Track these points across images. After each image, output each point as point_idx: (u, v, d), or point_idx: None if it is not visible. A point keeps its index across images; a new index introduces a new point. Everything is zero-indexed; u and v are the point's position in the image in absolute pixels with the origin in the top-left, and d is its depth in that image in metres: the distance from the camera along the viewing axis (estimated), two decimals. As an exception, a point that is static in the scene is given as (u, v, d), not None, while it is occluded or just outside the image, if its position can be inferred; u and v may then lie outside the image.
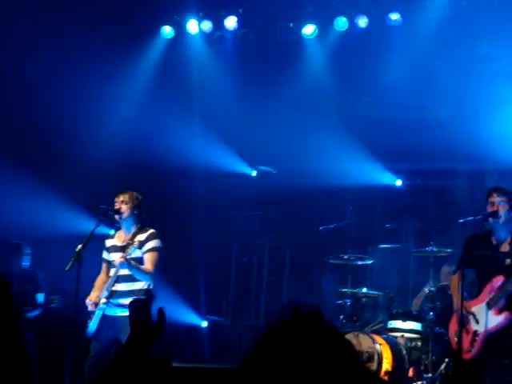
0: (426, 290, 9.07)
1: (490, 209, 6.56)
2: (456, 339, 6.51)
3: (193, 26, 11.39)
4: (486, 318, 6.34)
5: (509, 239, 6.50)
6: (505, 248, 6.48)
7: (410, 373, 8.48)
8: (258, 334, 1.79)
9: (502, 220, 6.50)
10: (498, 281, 6.36)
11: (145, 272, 7.23)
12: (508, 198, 6.52)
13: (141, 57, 11.39)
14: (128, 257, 7.11)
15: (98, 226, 7.34)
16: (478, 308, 6.41)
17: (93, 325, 7.14)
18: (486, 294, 6.41)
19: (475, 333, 6.35)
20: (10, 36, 9.86)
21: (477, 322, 6.38)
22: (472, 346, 6.33)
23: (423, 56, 10.93)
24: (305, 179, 11.76)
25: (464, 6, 10.14)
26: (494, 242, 6.56)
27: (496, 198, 6.52)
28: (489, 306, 6.34)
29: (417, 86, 11.35)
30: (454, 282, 6.74)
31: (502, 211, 6.48)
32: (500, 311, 6.30)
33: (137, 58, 11.32)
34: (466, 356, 6.29)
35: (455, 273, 6.97)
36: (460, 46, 10.81)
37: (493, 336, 6.30)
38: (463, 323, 6.31)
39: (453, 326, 6.60)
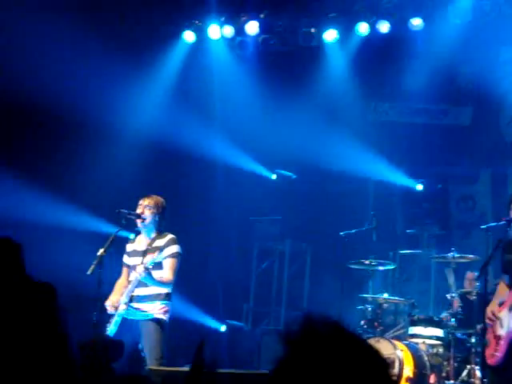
0: (448, 296, 9.02)
1: None
2: (486, 345, 6.48)
3: (214, 31, 11.42)
4: (508, 322, 6.28)
5: None
6: None
7: (432, 379, 8.43)
8: (281, 346, 1.78)
9: None
10: None
11: (164, 282, 7.26)
12: None
13: (163, 61, 11.43)
14: (149, 265, 7.12)
15: (119, 230, 7.35)
16: (504, 313, 6.36)
17: (112, 329, 7.16)
18: (511, 298, 6.34)
19: (499, 337, 6.30)
20: (43, 38, 9.90)
21: (501, 326, 6.33)
22: (496, 351, 6.27)
23: (445, 61, 10.90)
24: (326, 184, 11.76)
25: (487, 10, 10.09)
26: None
27: None
28: (511, 309, 6.28)
29: (439, 91, 11.33)
30: (500, 289, 6.67)
31: None
32: None
33: (159, 62, 11.36)
34: (491, 361, 6.24)
35: (478, 278, 6.93)
36: (482, 51, 10.77)
37: None
38: (492, 329, 6.26)
39: (488, 333, 6.54)
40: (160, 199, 7.51)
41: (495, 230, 7.44)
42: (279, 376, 1.72)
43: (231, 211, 11.71)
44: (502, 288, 6.52)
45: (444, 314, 8.91)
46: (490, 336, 6.32)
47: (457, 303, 8.99)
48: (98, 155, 10.73)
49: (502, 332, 6.31)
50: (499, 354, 6.23)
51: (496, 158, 11.16)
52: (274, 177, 11.90)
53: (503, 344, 6.24)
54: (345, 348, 1.72)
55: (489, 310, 6.44)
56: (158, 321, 7.21)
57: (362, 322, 9.13)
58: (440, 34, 10.58)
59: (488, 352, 6.17)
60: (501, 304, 6.44)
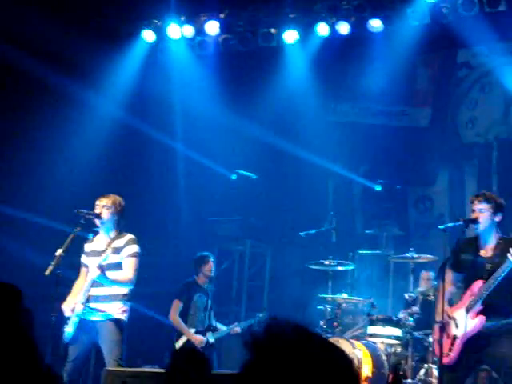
0: (406, 296, 9.09)
1: (472, 215, 6.56)
2: (437, 344, 6.51)
3: (174, 31, 11.39)
4: (463, 323, 6.32)
5: (492, 245, 6.47)
6: (486, 253, 6.46)
7: (390, 378, 8.48)
8: (246, 351, 1.77)
9: (481, 227, 6.50)
10: (478, 285, 6.34)
11: (122, 281, 7.21)
12: (489, 204, 6.50)
13: (123, 60, 11.36)
14: (103, 262, 7.06)
15: (77, 230, 7.28)
16: (459, 313, 6.41)
17: (69, 330, 7.09)
18: (467, 298, 6.40)
19: (454, 337, 6.35)
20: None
21: (456, 326, 6.37)
22: (450, 351, 6.33)
23: (404, 62, 11.00)
24: (285, 184, 11.79)
25: (444, 13, 10.20)
26: (478, 248, 6.56)
27: (476, 205, 6.52)
28: (467, 310, 6.34)
29: (398, 92, 11.42)
30: (441, 290, 6.71)
31: (482, 218, 6.47)
32: (476, 315, 6.29)
33: (119, 61, 11.29)
34: (444, 360, 6.29)
35: (437, 278, 6.97)
36: (440, 53, 10.88)
37: (470, 340, 6.29)
38: (444, 329, 6.30)
39: (435, 333, 6.59)
40: (118, 198, 7.45)
41: (453, 230, 7.50)
42: (245, 380, 1.72)
43: (191, 212, 11.69)
44: (448, 285, 6.54)
45: (402, 314, 8.99)
46: (443, 335, 6.34)
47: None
48: (54, 156, 10.63)
49: (457, 332, 6.36)
50: (453, 355, 6.28)
51: (454, 159, 11.28)
52: (234, 177, 11.89)
53: (458, 344, 6.30)
54: (309, 350, 1.72)
55: (440, 309, 6.47)
56: (116, 321, 7.15)
57: (322, 322, 9.16)
58: (399, 35, 10.66)
59: (442, 350, 6.21)
60: (451, 303, 6.49)
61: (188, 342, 9.20)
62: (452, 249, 6.76)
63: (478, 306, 6.27)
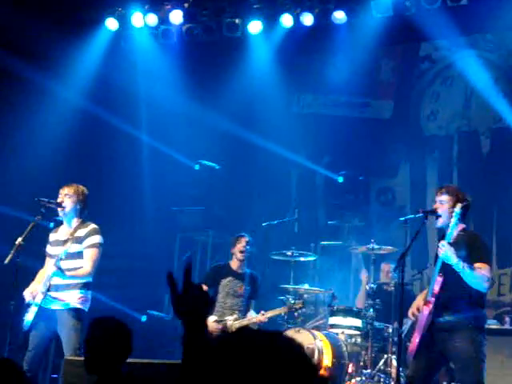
0: (367, 287, 9.16)
1: (433, 206, 6.60)
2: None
3: (137, 19, 11.32)
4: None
5: (453, 238, 6.43)
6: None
7: (350, 368, 8.56)
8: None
9: (441, 219, 6.54)
10: (437, 282, 6.33)
11: (80, 275, 7.17)
12: (450, 196, 6.53)
13: (86, 48, 11.27)
14: (61, 256, 7.02)
15: (38, 219, 7.23)
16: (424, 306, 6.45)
17: (29, 318, 7.05)
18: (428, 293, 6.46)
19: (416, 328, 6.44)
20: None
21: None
22: (411, 341, 6.42)
23: (367, 54, 11.05)
24: (249, 175, 11.80)
25: (407, 6, 10.26)
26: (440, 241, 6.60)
27: (438, 197, 6.56)
28: (424, 303, 6.41)
29: (361, 84, 11.48)
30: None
31: (441, 209, 6.51)
32: (426, 305, 6.32)
33: (82, 49, 11.19)
34: (410, 349, 6.36)
35: (395, 270, 7.04)
36: (403, 46, 10.95)
37: (428, 331, 6.34)
38: (401, 328, 6.42)
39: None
40: (81, 187, 7.41)
41: (413, 222, 7.57)
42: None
43: (154, 201, 11.65)
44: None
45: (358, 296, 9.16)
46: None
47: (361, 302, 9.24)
48: (16, 144, 10.53)
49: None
50: (413, 346, 6.36)
51: (415, 151, 11.37)
52: (197, 167, 11.86)
53: (416, 335, 6.36)
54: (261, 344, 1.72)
55: (415, 304, 6.53)
56: (75, 310, 7.11)
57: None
58: (362, 27, 10.71)
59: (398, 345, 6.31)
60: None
61: None
62: (411, 241, 6.81)
63: (429, 297, 6.32)
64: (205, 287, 8.18)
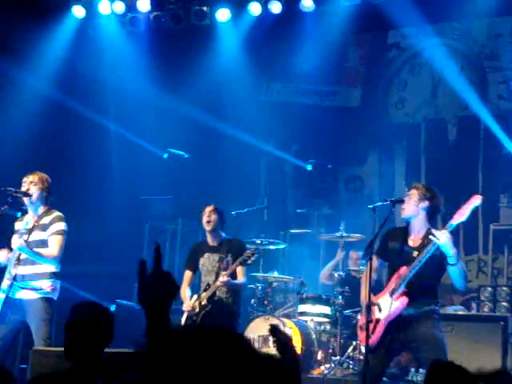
0: (336, 274, 9.21)
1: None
2: (360, 331, 6.68)
3: (104, 7, 11.23)
4: (387, 306, 6.42)
5: (421, 235, 6.54)
6: (414, 243, 6.57)
7: (319, 356, 8.61)
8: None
9: (405, 211, 6.61)
10: (403, 270, 6.43)
11: (46, 256, 7.09)
12: (418, 191, 6.61)
13: (52, 36, 11.15)
14: (22, 231, 6.97)
15: (5, 208, 7.16)
16: (383, 298, 6.52)
17: (-5, 308, 6.99)
18: (391, 284, 6.51)
19: (377, 320, 6.47)
20: None
21: (380, 310, 6.49)
22: (372, 333, 6.40)
23: (335, 43, 11.07)
24: (217, 163, 11.78)
25: (375, -6, 10.29)
26: (406, 237, 6.68)
27: (408, 191, 6.69)
28: (391, 293, 6.45)
29: (329, 72, 11.50)
30: (363, 276, 6.86)
31: (407, 202, 6.59)
32: (399, 296, 6.39)
33: (48, 37, 11.07)
34: (369, 342, 6.40)
35: (364, 257, 7.09)
36: (371, 33, 10.98)
37: (393, 324, 6.41)
38: (369, 315, 6.43)
39: (361, 319, 6.76)
40: (44, 175, 7.33)
41: (381, 209, 7.62)
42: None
43: (123, 189, 11.59)
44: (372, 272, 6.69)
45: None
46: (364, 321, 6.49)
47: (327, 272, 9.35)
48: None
49: (379, 315, 6.50)
50: (375, 337, 6.42)
51: (384, 139, 11.43)
52: (165, 156, 11.82)
53: (381, 326, 6.43)
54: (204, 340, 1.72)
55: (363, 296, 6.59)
56: (45, 299, 7.06)
57: (253, 301, 9.22)
58: (330, 15, 10.73)
59: (366, 334, 6.35)
60: (374, 292, 6.61)
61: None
62: (382, 236, 6.88)
63: (402, 289, 6.39)
64: (189, 273, 8.24)
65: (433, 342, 6.29)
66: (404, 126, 11.41)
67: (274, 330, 2.87)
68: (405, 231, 6.69)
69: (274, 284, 9.52)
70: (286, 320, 8.62)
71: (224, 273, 7.82)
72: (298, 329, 8.48)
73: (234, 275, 7.95)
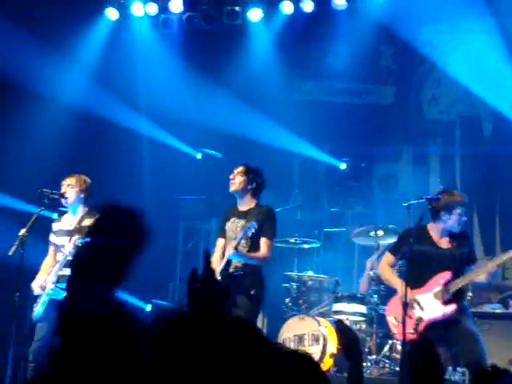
0: (371, 273, 9.17)
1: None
2: (395, 322, 6.99)
3: (137, 9, 11.28)
4: (431, 307, 6.71)
5: (446, 236, 6.90)
6: (445, 244, 6.89)
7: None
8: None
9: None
10: (445, 276, 6.74)
11: None
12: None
13: (86, 38, 11.23)
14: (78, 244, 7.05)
15: (41, 210, 7.25)
16: (424, 297, 6.76)
17: (39, 309, 7.08)
18: (432, 285, 6.77)
19: (419, 319, 6.70)
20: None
21: (421, 309, 6.73)
22: (415, 330, 6.64)
23: (368, 40, 11.02)
24: (251, 163, 11.76)
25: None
26: (435, 238, 6.92)
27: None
28: (436, 296, 6.71)
29: (362, 70, 11.45)
30: (385, 270, 7.05)
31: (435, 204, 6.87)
32: (447, 303, 6.71)
33: (82, 39, 11.15)
34: (409, 337, 6.54)
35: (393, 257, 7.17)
36: (404, 31, 10.92)
37: (435, 323, 6.69)
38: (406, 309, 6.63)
39: (392, 310, 6.93)
40: (83, 177, 7.46)
41: (416, 207, 7.60)
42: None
43: (157, 190, 11.64)
44: (387, 269, 7.04)
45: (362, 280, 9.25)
46: (399, 314, 6.69)
47: (365, 286, 9.30)
48: (18, 134, 10.52)
49: (423, 315, 6.76)
50: (414, 333, 6.62)
51: (417, 136, 11.36)
52: (199, 156, 11.86)
53: (423, 325, 6.71)
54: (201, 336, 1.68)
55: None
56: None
57: (287, 300, 9.22)
58: (363, 13, 10.68)
59: (406, 329, 6.49)
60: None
61: None
62: (401, 237, 7.03)
63: (448, 296, 6.73)
64: (220, 241, 7.46)
65: (471, 336, 6.57)
66: (438, 123, 11.32)
67: (340, 326, 2.87)
68: (426, 231, 6.91)
69: (309, 283, 9.50)
70: (321, 319, 8.60)
71: (231, 244, 7.09)
72: (334, 328, 8.45)
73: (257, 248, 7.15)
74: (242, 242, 7.10)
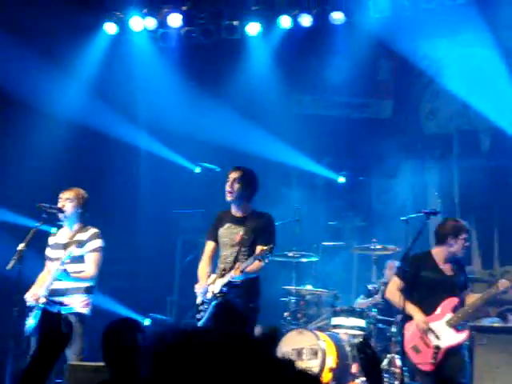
0: (370, 286, 9.18)
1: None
2: (414, 352, 6.93)
3: (136, 23, 11.31)
4: (447, 335, 6.82)
5: (449, 263, 7.06)
6: (448, 271, 7.05)
7: (354, 369, 8.55)
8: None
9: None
10: (453, 302, 6.90)
11: (84, 277, 7.21)
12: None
13: (84, 53, 11.25)
14: (66, 260, 7.04)
15: (40, 224, 7.25)
16: (437, 325, 6.86)
17: (31, 322, 7.06)
18: (443, 313, 6.89)
19: (437, 347, 6.78)
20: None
21: (437, 337, 6.82)
22: (434, 360, 6.74)
23: (366, 55, 11.06)
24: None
25: (405, 6, 10.26)
26: (440, 264, 7.05)
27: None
28: (449, 324, 6.84)
29: (360, 84, 11.48)
30: (396, 295, 7.05)
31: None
32: (459, 330, 6.88)
33: (80, 54, 11.18)
34: (427, 367, 6.76)
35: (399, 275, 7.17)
36: (402, 45, 10.96)
37: (450, 351, 6.82)
38: (421, 337, 6.84)
39: (410, 340, 6.96)
40: (81, 191, 7.45)
41: (414, 221, 7.61)
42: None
43: (154, 204, 11.66)
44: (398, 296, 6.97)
45: (360, 300, 9.17)
46: (419, 343, 6.84)
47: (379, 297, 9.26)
48: (16, 148, 10.54)
49: (439, 343, 6.83)
50: (437, 363, 6.75)
51: (416, 150, 11.37)
52: (197, 170, 11.87)
53: (441, 354, 6.78)
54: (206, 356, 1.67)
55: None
56: (78, 314, 7.14)
57: (286, 314, 9.20)
58: (361, 28, 10.72)
59: (423, 360, 6.74)
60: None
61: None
62: (413, 241, 7.01)
63: (461, 323, 6.91)
64: (210, 244, 7.30)
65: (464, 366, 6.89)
66: (436, 136, 11.34)
67: (364, 346, 2.87)
68: (431, 257, 7.08)
69: (308, 297, 9.48)
70: (319, 333, 8.58)
71: (240, 265, 6.87)
72: (333, 342, 8.43)
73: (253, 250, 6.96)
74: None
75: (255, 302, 6.99)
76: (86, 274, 7.22)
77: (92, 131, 10.91)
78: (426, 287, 6.95)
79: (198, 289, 7.06)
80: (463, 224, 7.14)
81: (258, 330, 6.64)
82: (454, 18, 10.04)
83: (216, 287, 6.93)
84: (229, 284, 6.88)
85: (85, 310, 7.20)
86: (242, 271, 6.82)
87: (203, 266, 7.19)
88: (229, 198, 7.16)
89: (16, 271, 6.99)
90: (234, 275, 6.85)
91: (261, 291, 7.12)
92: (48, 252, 7.49)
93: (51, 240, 7.51)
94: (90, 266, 7.24)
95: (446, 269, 7.03)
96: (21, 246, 7.03)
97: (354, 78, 11.24)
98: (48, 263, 7.46)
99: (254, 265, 6.90)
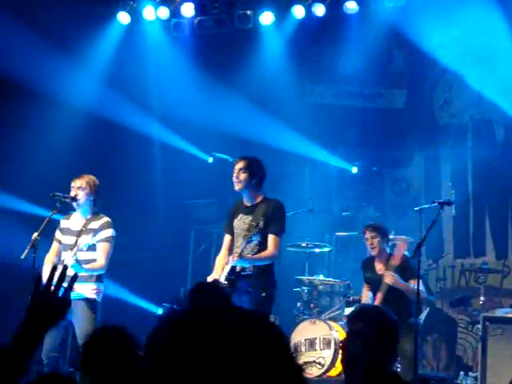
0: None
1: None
2: None
3: (149, 13, 11.32)
4: None
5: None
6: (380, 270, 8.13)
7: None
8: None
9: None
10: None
11: (95, 268, 7.24)
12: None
13: (98, 42, 11.27)
14: (84, 249, 7.09)
15: (53, 213, 7.27)
16: None
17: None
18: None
19: None
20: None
21: None
22: None
23: (380, 44, 11.01)
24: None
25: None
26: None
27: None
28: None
29: (373, 74, 11.44)
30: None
31: None
32: None
33: (94, 43, 11.19)
34: None
35: (412, 259, 7.20)
36: (415, 35, 10.90)
37: None
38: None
39: None
40: (92, 178, 7.46)
41: (428, 211, 7.59)
42: (161, 360, 1.62)
43: (168, 194, 11.67)
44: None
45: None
46: None
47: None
48: (30, 137, 10.56)
49: None
50: None
51: (429, 140, 11.33)
52: (210, 160, 11.86)
53: None
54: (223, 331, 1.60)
55: None
56: (89, 300, 7.18)
57: (299, 304, 9.22)
58: (374, 17, 10.68)
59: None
60: None
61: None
62: (427, 231, 7.01)
63: None
64: (227, 237, 7.37)
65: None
66: (450, 126, 11.29)
67: None
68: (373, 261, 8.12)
69: (320, 287, 9.49)
70: (332, 323, 8.59)
71: (235, 251, 6.96)
72: (345, 332, 8.43)
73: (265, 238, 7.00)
74: (251, 244, 7.04)
75: (268, 291, 6.99)
76: (97, 264, 7.25)
77: (106, 121, 10.93)
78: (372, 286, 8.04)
79: (211, 279, 7.07)
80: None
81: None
82: (469, 7, 9.97)
83: (222, 276, 6.96)
84: (235, 272, 6.91)
85: (95, 297, 7.24)
86: (238, 256, 6.87)
87: (220, 258, 7.29)
88: (237, 187, 7.26)
89: (30, 260, 7.03)
90: (232, 260, 6.91)
91: (275, 281, 7.10)
92: (58, 235, 7.49)
93: (63, 223, 7.51)
94: (100, 256, 7.26)
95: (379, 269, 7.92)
96: (35, 235, 7.07)
97: (367, 68, 11.20)
98: (56, 246, 7.46)
99: (261, 253, 6.95)
